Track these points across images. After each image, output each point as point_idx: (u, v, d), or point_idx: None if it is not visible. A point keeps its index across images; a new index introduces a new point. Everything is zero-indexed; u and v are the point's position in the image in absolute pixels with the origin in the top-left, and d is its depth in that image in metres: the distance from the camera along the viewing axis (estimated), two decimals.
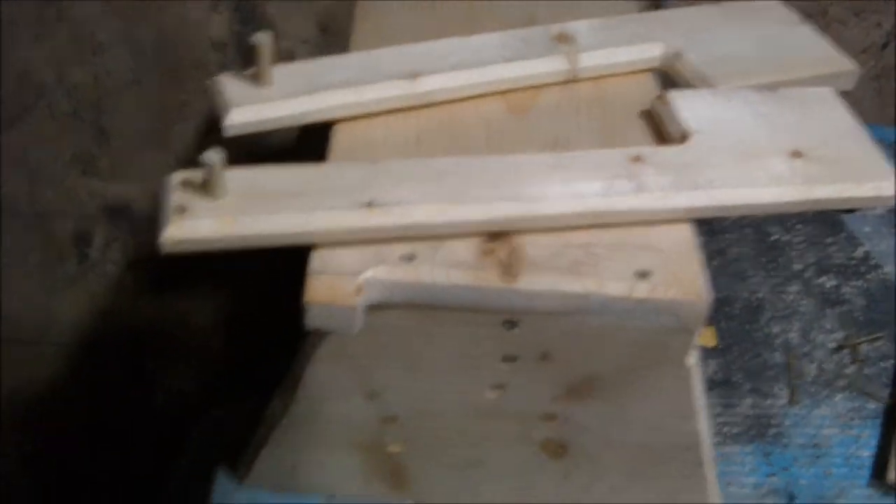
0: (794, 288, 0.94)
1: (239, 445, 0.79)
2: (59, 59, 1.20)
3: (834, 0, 1.21)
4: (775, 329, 0.90)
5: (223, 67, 1.18)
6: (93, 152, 1.23)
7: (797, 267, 0.96)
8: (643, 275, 0.61)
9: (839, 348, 0.89)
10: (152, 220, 1.17)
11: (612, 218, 0.64)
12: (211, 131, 1.18)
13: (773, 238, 0.99)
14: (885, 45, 1.24)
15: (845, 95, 0.75)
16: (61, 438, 1.49)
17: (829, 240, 0.99)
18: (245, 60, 1.20)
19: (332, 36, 1.20)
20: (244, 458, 0.76)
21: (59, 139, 1.23)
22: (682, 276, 0.61)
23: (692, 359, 0.65)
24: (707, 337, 0.89)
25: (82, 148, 1.23)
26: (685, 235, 0.64)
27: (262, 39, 0.69)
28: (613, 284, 0.60)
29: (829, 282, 0.95)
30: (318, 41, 1.21)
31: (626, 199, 0.64)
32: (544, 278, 0.60)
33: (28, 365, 1.40)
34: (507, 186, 0.63)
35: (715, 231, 0.99)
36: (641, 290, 0.60)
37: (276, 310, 1.30)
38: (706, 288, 0.60)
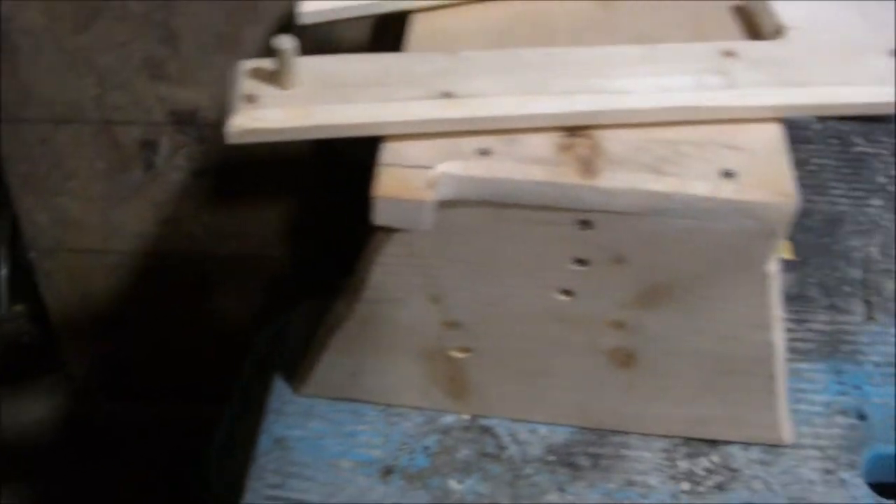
0: (876, 202, 0.90)
1: (298, 352, 0.78)
2: None
3: None
4: (855, 243, 0.87)
5: None
6: (162, 56, 1.22)
7: (881, 180, 0.92)
8: (729, 174, 0.58)
9: None
10: (220, 128, 1.16)
11: (700, 114, 0.61)
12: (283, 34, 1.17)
13: (857, 149, 0.95)
14: None
15: None
16: (124, 347, 1.51)
17: None
18: None
19: None
20: (303, 364, 0.75)
21: (128, 43, 1.21)
22: (770, 177, 0.59)
23: (773, 266, 0.62)
24: (783, 249, 0.86)
25: (151, 52, 1.22)
26: (775, 135, 0.62)
27: None
28: (697, 184, 0.58)
29: None
30: None
31: (715, 95, 0.61)
32: (625, 175, 0.58)
33: (91, 273, 1.41)
34: (591, 79, 0.61)
35: (798, 141, 0.96)
36: (727, 191, 0.58)
37: (336, 219, 1.30)
38: (795, 189, 0.58)
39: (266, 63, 0.61)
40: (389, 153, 0.59)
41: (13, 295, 1.60)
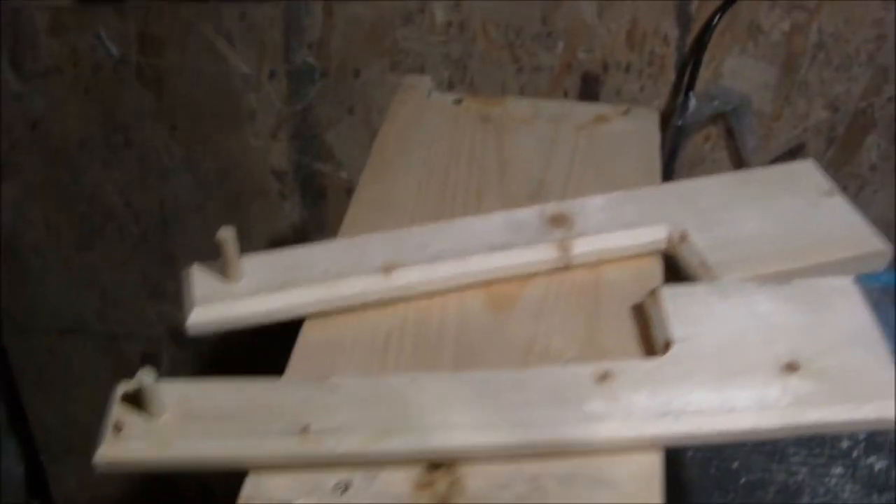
0: (837, 470, 0.86)
1: None
2: (127, 183, 1.22)
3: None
4: None
5: (282, 196, 1.19)
6: (160, 275, 1.25)
7: (844, 445, 0.88)
8: None
9: None
10: (214, 344, 1.18)
11: (565, 448, 0.59)
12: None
13: None
14: None
15: None
16: None
17: None
18: (303, 190, 1.20)
19: None
20: None
21: (127, 262, 1.25)
22: None
23: None
24: None
25: (150, 271, 1.25)
26: (650, 467, 0.59)
27: (225, 235, 0.68)
28: None
29: (878, 462, 0.86)
30: None
31: (581, 429, 0.59)
32: None
33: (100, 479, 1.43)
34: (454, 411, 0.60)
35: None
36: None
37: None
38: None
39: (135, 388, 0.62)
40: (251, 486, 0.59)
41: (28, 492, 1.63)
